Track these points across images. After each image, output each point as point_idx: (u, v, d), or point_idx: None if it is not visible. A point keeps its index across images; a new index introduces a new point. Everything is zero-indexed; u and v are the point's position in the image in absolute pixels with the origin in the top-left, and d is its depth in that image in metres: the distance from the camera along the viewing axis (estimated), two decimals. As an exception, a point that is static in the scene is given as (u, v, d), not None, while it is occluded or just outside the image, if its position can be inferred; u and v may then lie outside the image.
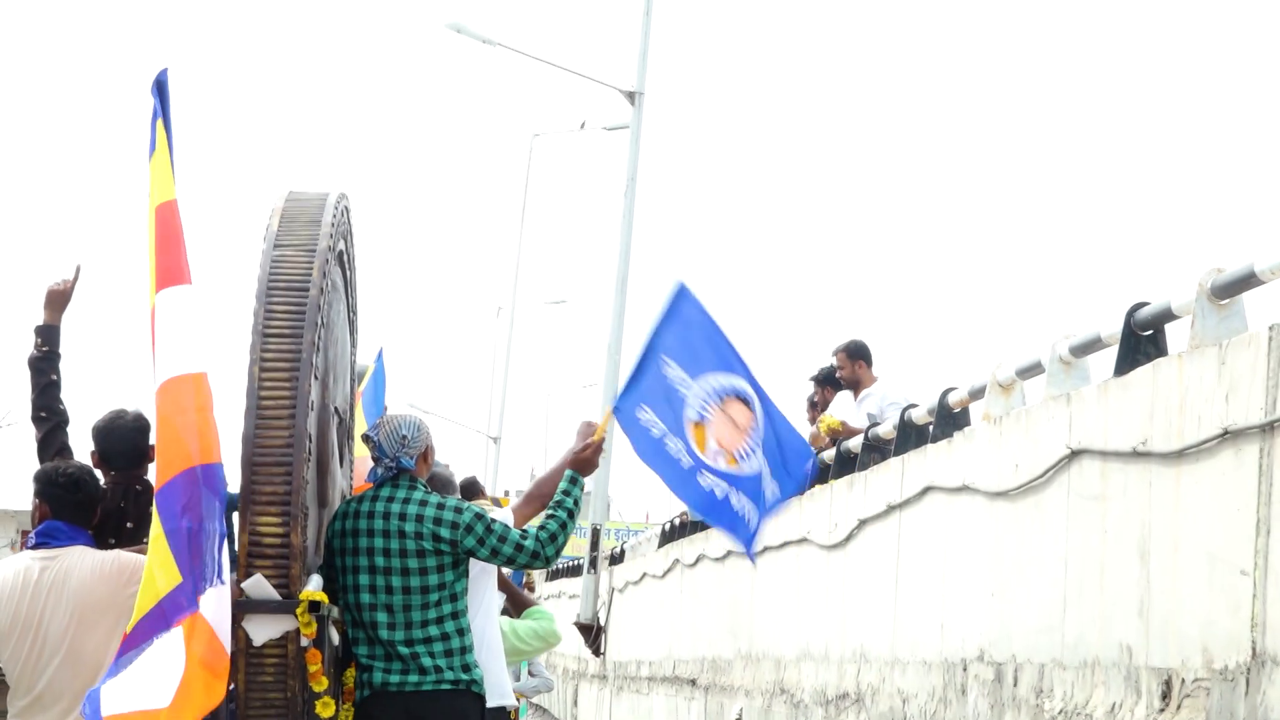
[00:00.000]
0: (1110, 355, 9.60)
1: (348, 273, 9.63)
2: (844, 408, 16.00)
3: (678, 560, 22.17)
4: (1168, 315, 8.94)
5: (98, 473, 8.80)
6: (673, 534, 23.93)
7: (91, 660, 7.99)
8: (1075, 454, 9.26)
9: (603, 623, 25.53)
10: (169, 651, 7.37)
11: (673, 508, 24.89)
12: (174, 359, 7.83)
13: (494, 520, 9.05)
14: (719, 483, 9.72)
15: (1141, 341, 9.19)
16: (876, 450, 14.09)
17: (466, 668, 8.95)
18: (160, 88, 8.05)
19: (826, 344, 18.99)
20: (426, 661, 8.85)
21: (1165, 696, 8.09)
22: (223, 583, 7.62)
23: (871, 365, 15.76)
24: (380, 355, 14.55)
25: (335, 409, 9.36)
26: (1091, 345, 9.85)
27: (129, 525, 8.90)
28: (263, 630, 8.19)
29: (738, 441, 9.76)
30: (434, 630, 8.92)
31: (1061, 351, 10.06)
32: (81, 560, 8.16)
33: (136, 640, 7.43)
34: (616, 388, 26.08)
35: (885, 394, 15.50)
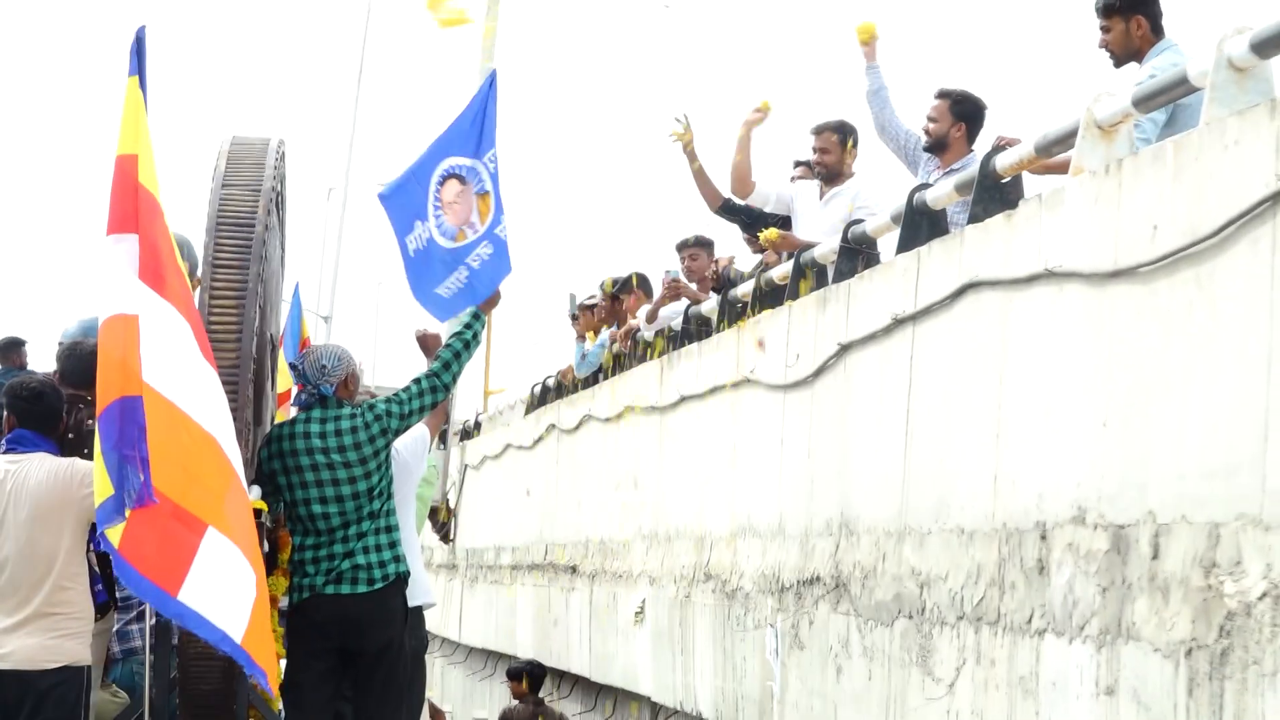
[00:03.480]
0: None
1: (281, 212, 10.38)
2: (805, 205, 12.61)
3: (553, 425, 18.77)
4: None
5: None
6: (545, 397, 20.52)
7: (45, 555, 8.79)
8: (1296, 190, 5.91)
9: (453, 505, 22.11)
10: (239, 577, 8.06)
11: (544, 369, 21.39)
12: (116, 299, 8.19)
13: (395, 394, 10.26)
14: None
15: None
16: (859, 256, 10.73)
17: (398, 559, 10.10)
18: (138, 44, 8.29)
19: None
20: (372, 558, 9.98)
21: None
22: (154, 501, 8.01)
23: (856, 157, 12.34)
24: (296, 290, 16.24)
25: (270, 336, 10.29)
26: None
27: (70, 436, 9.39)
28: None
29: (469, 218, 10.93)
30: (381, 522, 10.06)
31: (1235, 53, 6.68)
32: (41, 465, 8.94)
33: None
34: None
35: (859, 192, 12.10)
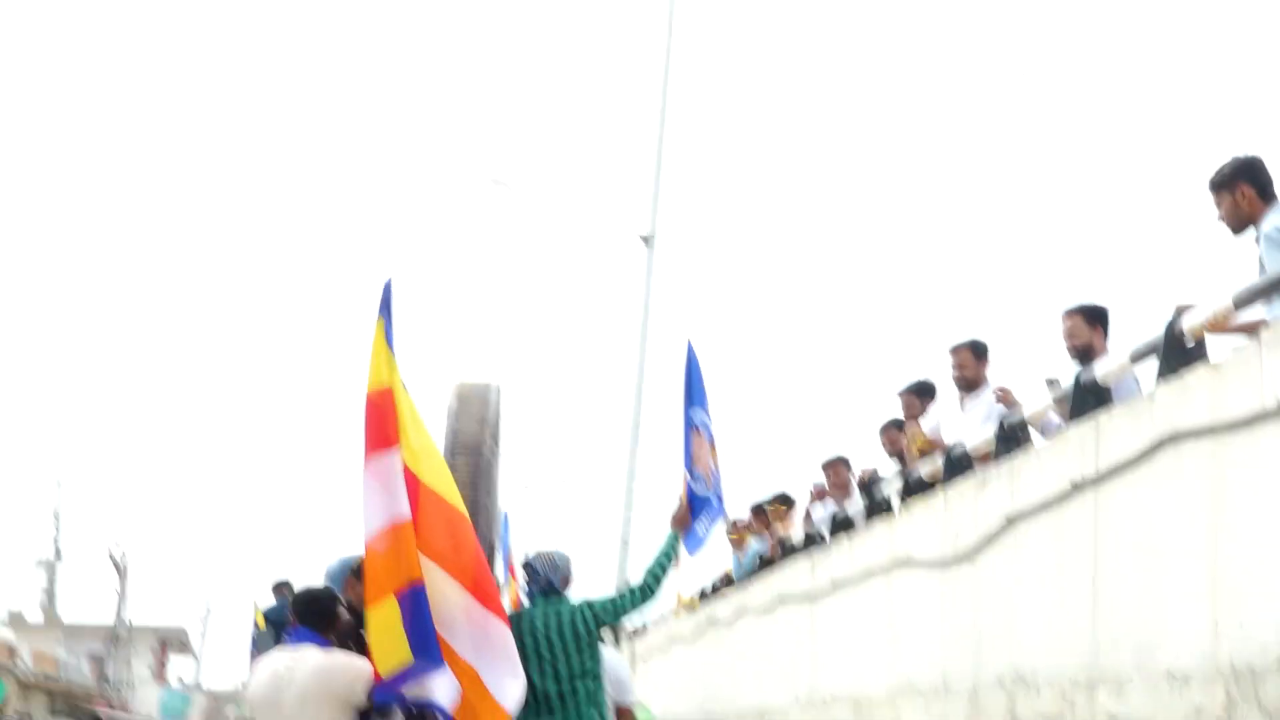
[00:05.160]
0: None
1: (498, 443, 9.09)
2: (945, 417, 10.22)
3: (712, 619, 16.25)
4: None
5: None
6: (703, 597, 18.01)
7: None
8: None
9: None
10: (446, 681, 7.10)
11: (697, 580, 18.86)
12: (390, 510, 7.12)
13: (612, 597, 8.82)
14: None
15: None
16: (1014, 441, 8.34)
17: None
18: (386, 293, 7.03)
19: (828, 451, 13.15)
20: None
21: None
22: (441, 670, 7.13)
23: (988, 366, 9.96)
24: (506, 519, 14.06)
25: (491, 543, 8.88)
26: None
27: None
28: None
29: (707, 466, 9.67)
30: (594, 699, 8.62)
31: None
32: (309, 658, 7.69)
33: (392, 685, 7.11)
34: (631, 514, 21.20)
35: (995, 400, 9.73)
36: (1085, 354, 8.47)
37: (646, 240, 23.77)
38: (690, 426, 9.75)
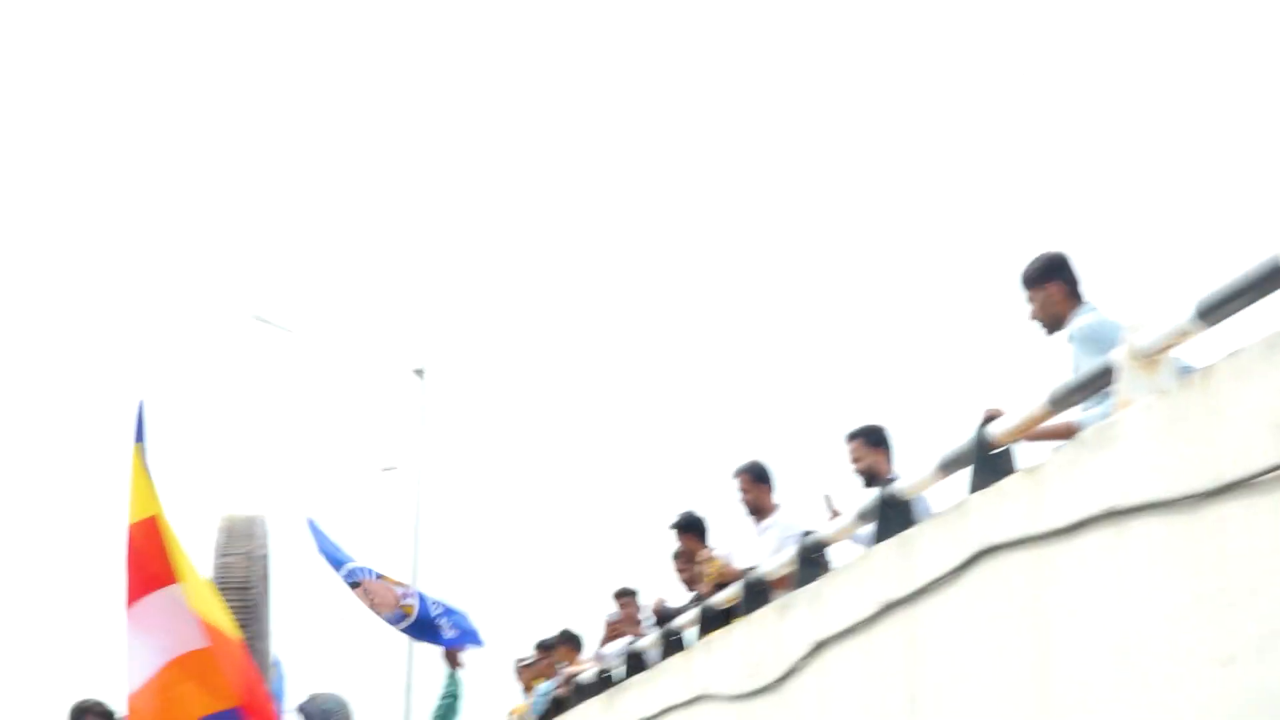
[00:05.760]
0: None
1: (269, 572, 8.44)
2: (739, 544, 9.82)
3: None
4: None
5: None
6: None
7: None
8: None
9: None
10: None
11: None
12: (180, 640, 6.53)
13: None
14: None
15: None
16: (814, 565, 7.94)
17: None
18: (140, 416, 6.66)
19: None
20: None
21: None
22: None
23: (773, 490, 9.63)
24: (279, 664, 12.69)
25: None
26: None
27: None
28: None
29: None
30: None
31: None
32: None
33: None
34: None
35: (788, 525, 9.38)
36: (871, 477, 8.24)
37: (419, 373, 23.35)
38: (352, 585, 10.06)
